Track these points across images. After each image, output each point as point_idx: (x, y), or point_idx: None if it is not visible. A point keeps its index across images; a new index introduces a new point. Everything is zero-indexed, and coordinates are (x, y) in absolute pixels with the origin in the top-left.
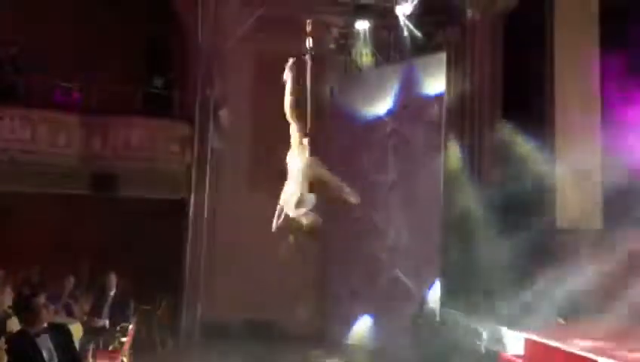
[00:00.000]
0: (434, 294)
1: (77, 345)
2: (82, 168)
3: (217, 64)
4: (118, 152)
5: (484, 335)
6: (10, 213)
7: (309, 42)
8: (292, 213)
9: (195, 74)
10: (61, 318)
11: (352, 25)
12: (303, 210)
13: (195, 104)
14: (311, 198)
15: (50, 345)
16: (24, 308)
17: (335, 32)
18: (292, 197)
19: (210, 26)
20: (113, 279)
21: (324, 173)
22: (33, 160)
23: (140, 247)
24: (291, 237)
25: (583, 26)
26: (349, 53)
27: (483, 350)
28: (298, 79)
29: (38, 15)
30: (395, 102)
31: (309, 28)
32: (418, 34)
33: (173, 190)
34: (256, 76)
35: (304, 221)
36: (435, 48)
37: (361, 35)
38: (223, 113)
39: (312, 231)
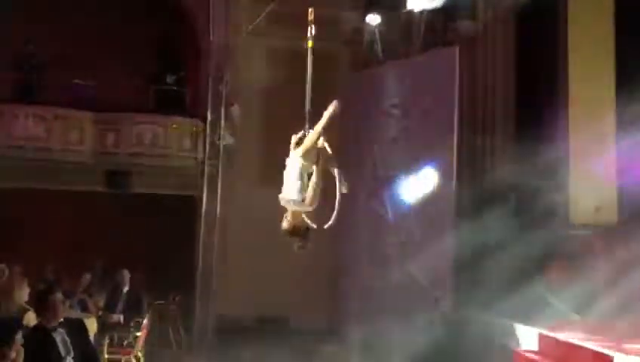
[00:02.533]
0: (448, 291)
1: (92, 339)
2: (96, 165)
3: (229, 60)
4: (131, 149)
5: (499, 330)
6: (25, 210)
7: (310, 30)
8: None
9: (207, 70)
10: (76, 313)
11: (363, 19)
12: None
13: (207, 100)
14: (317, 191)
15: (67, 340)
16: (41, 303)
17: (346, 26)
18: (294, 185)
19: (221, 22)
20: (127, 275)
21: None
22: (47, 157)
23: (153, 243)
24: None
25: (597, 20)
26: (361, 48)
27: (497, 346)
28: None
29: (52, 13)
30: (407, 98)
31: (310, 16)
32: (430, 28)
33: (185, 186)
34: (268, 72)
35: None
36: (448, 43)
37: (373, 30)
38: (235, 109)
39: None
